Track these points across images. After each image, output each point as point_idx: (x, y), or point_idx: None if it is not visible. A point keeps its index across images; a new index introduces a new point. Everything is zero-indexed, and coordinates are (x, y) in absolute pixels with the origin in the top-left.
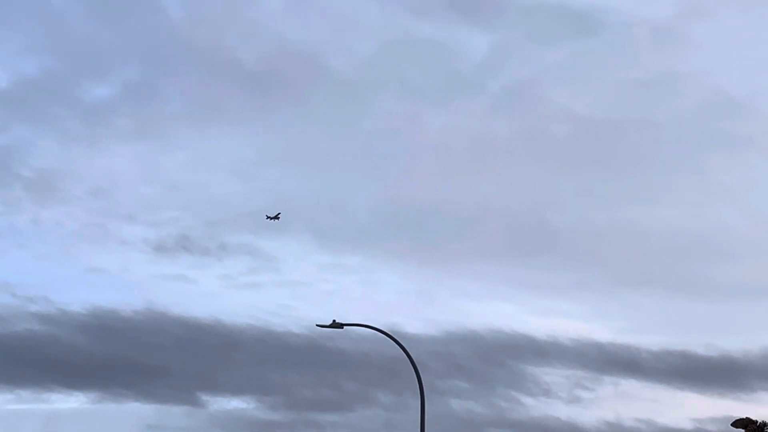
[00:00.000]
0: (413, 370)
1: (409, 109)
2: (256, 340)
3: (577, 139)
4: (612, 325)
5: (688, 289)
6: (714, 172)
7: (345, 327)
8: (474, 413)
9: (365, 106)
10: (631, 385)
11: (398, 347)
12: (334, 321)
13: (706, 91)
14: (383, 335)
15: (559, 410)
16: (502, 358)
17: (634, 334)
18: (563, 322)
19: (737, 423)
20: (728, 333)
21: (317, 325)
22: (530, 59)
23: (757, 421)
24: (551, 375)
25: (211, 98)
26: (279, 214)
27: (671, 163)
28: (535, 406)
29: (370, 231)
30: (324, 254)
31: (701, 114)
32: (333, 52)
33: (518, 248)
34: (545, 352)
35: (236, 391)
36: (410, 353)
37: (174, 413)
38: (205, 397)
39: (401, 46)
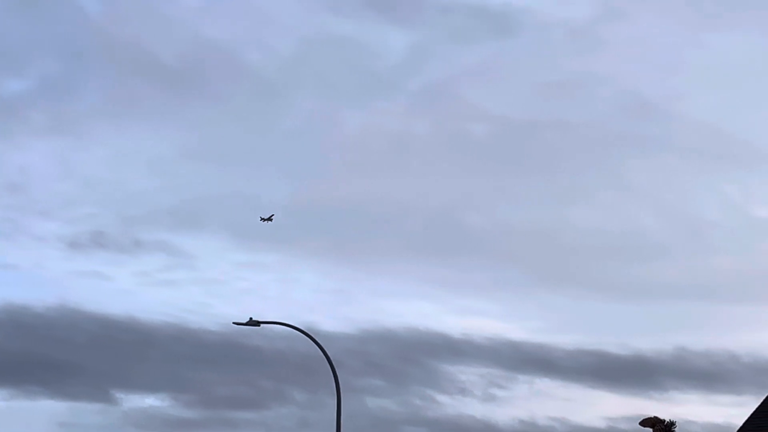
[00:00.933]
0: (329, 368)
1: (327, 108)
2: (172, 337)
3: (493, 139)
4: (527, 325)
5: (603, 289)
6: (628, 174)
7: (262, 325)
8: (389, 411)
9: (283, 104)
10: (545, 384)
11: (314, 345)
12: (251, 319)
13: (621, 92)
14: (300, 333)
15: (474, 408)
16: (418, 356)
17: (549, 334)
18: (479, 321)
19: (645, 422)
20: (641, 332)
21: (234, 323)
22: (448, 59)
23: (664, 420)
24: (466, 374)
25: (129, 94)
26: (272, 215)
27: (586, 164)
28: (451, 405)
29: (287, 229)
30: (241, 252)
31: (616, 115)
32: (251, 49)
33: (435, 247)
34: (461, 351)
35: (151, 388)
36: (327, 351)
37: (87, 411)
38: (119, 395)
39: (319, 44)
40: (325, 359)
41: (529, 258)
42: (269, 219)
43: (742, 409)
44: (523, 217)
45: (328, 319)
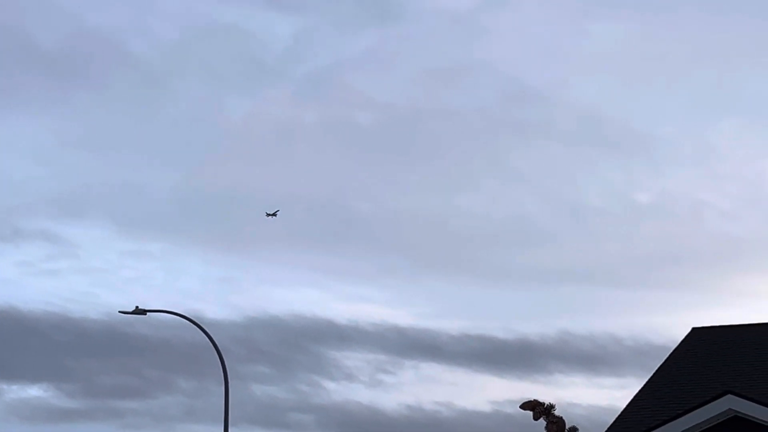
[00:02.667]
0: (216, 355)
1: (213, 96)
2: (54, 327)
3: (379, 127)
4: (413, 311)
5: (488, 274)
6: (512, 161)
7: (148, 313)
8: (276, 398)
9: (168, 92)
10: (431, 369)
11: (201, 333)
12: (137, 307)
13: (505, 80)
14: (186, 321)
15: (361, 394)
16: (305, 343)
17: (435, 319)
18: (366, 307)
19: (525, 405)
20: (526, 317)
21: (120, 312)
22: (333, 46)
23: (544, 403)
24: (353, 359)
25: (9, 82)
26: (278, 211)
27: (471, 151)
28: (337, 391)
29: (173, 217)
30: (126, 241)
31: (500, 103)
32: (135, 36)
33: (322, 235)
34: (347, 337)
35: (33, 378)
36: (214, 339)
37: None
38: (0, 386)
39: (204, 31)
40: (212, 347)
41: (416, 245)
42: (274, 214)
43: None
44: (410, 205)
45: (215, 307)
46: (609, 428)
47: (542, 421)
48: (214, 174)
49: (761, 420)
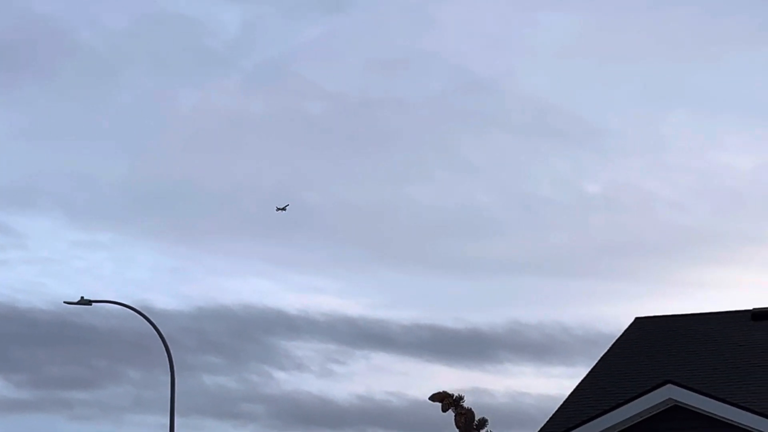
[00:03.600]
0: (164, 346)
1: (161, 85)
2: (1, 317)
3: (329, 117)
4: (364, 301)
5: (439, 264)
6: (463, 151)
7: (94, 303)
8: (226, 388)
9: (117, 81)
10: (382, 359)
11: (149, 324)
12: (82, 297)
13: (455, 70)
14: (134, 312)
15: (312, 384)
16: (255, 333)
17: (386, 309)
18: (317, 297)
19: (434, 397)
20: (476, 307)
21: (65, 302)
22: (282, 36)
23: (453, 395)
24: (303, 349)
25: None
26: (288, 205)
27: (421, 141)
28: (288, 381)
29: (122, 208)
30: (75, 231)
31: (450, 93)
32: (82, 25)
33: (271, 225)
34: (297, 327)
35: None
36: (161, 329)
37: None
38: None
39: (153, 20)
40: (159, 337)
41: (366, 235)
42: (284, 209)
43: (574, 380)
44: (360, 195)
45: (164, 297)
46: (551, 418)
47: (451, 413)
48: (163, 164)
49: (701, 409)
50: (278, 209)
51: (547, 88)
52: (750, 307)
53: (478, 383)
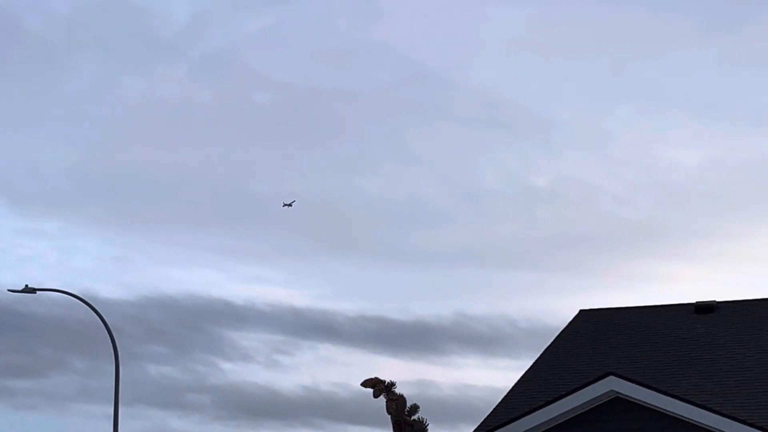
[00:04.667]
0: (109, 335)
1: (109, 74)
2: None
3: (277, 107)
4: (310, 292)
5: (385, 256)
6: (410, 142)
7: (38, 292)
8: (172, 378)
9: (64, 69)
10: (328, 350)
11: (94, 312)
12: (26, 286)
13: (403, 61)
14: (79, 300)
15: (258, 375)
16: (201, 323)
17: (332, 300)
18: (263, 288)
19: (366, 383)
20: (422, 298)
21: (9, 290)
22: (230, 26)
23: (385, 381)
24: (249, 340)
25: None
26: (294, 201)
27: (369, 132)
28: (234, 371)
29: (68, 196)
30: (20, 219)
31: (398, 84)
32: (29, 12)
33: (219, 216)
34: (244, 318)
35: None
36: (106, 319)
37: None
38: None
39: (100, 8)
40: (104, 326)
41: (313, 226)
42: (290, 204)
43: (519, 372)
44: (307, 185)
45: (110, 287)
46: (494, 409)
47: (383, 399)
48: (110, 152)
49: (643, 401)
50: (285, 205)
51: (495, 81)
52: (693, 301)
53: (424, 375)
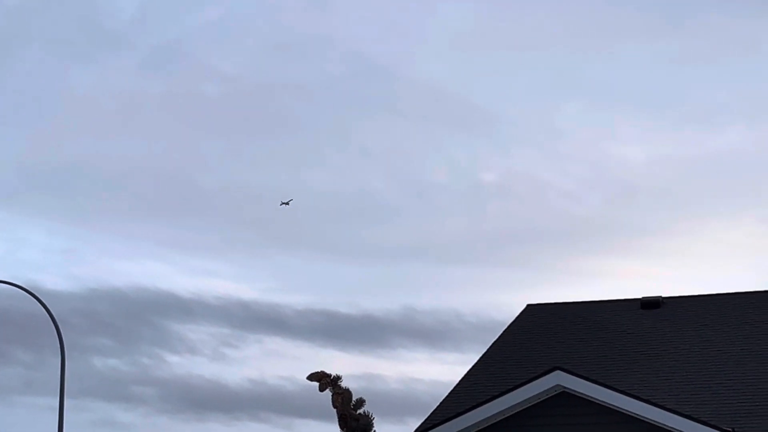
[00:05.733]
0: (54, 327)
1: (56, 64)
2: None
3: (226, 100)
4: (258, 285)
5: (333, 249)
6: (358, 136)
7: None
8: (118, 371)
9: (9, 60)
10: (275, 343)
11: (40, 304)
12: None
13: (352, 55)
14: (24, 292)
15: (204, 368)
16: (147, 315)
17: (280, 293)
18: (210, 281)
19: (312, 376)
20: (370, 292)
21: None
22: (180, 18)
23: (331, 375)
24: (196, 333)
25: None
26: (291, 200)
27: (318, 126)
28: (180, 364)
29: (14, 188)
30: None
31: (346, 78)
32: None
33: (167, 208)
34: (191, 311)
35: None
36: (52, 311)
37: None
38: None
39: None
40: (50, 318)
41: (262, 219)
42: (287, 203)
43: (467, 366)
44: (255, 179)
45: (56, 279)
46: (441, 403)
47: (329, 393)
48: (57, 144)
49: (588, 396)
50: (282, 203)
51: (444, 76)
52: (639, 296)
53: (371, 369)
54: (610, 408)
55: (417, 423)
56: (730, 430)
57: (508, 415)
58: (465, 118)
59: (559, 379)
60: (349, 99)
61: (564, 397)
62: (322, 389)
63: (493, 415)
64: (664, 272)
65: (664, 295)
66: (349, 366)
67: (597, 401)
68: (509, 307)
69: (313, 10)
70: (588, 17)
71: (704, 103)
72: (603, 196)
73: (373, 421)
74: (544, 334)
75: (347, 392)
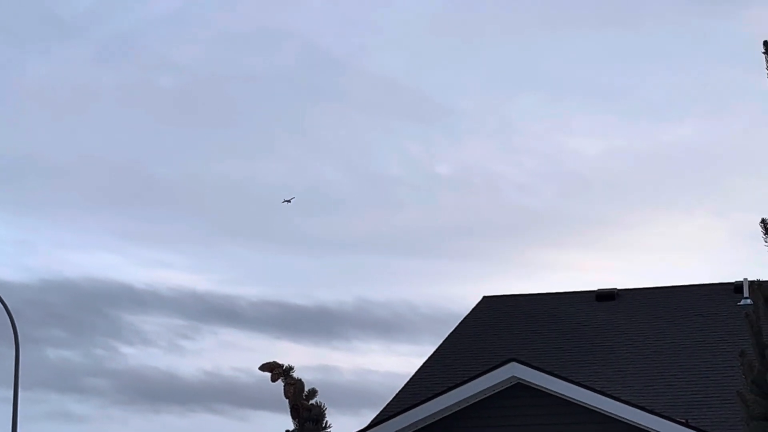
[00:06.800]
0: (8, 318)
1: (9, 55)
2: None
3: (180, 90)
4: (212, 276)
5: (287, 241)
6: (312, 128)
7: None
8: (71, 362)
9: None
10: (230, 335)
11: None
12: None
13: (305, 46)
14: None
15: (159, 359)
16: (101, 307)
17: (234, 285)
18: (164, 272)
19: (264, 367)
20: (324, 284)
21: None
22: (134, 8)
23: (283, 365)
24: (150, 324)
25: None
26: (293, 197)
27: (272, 117)
28: (134, 355)
29: None
30: None
31: (300, 69)
32: None
33: (120, 199)
34: (145, 302)
35: None
36: (6, 301)
37: None
38: None
39: None
40: (4, 309)
41: (216, 210)
42: (289, 201)
43: (422, 358)
44: (210, 170)
45: (9, 270)
46: (397, 395)
47: (281, 383)
48: (9, 135)
49: (544, 387)
50: (284, 201)
51: (399, 68)
52: (594, 288)
53: (326, 360)
54: (565, 399)
55: (372, 415)
56: (684, 420)
57: (464, 406)
58: (419, 110)
59: (514, 370)
60: (302, 90)
61: (519, 388)
62: (274, 380)
63: (449, 406)
64: (619, 265)
65: (619, 287)
66: (304, 357)
67: (552, 393)
68: (465, 299)
69: (267, 1)
70: (541, 9)
71: (658, 95)
72: (557, 189)
73: (325, 412)
74: (500, 326)
75: (299, 383)
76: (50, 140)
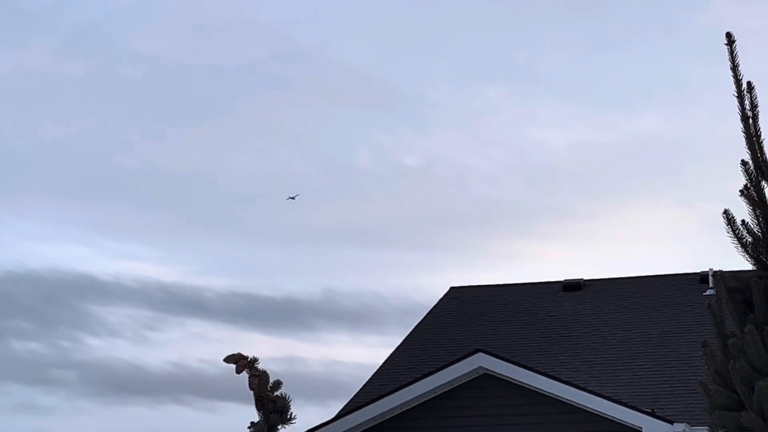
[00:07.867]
0: None
1: None
2: None
3: (148, 82)
4: (179, 268)
5: (254, 232)
6: (280, 120)
7: None
8: (37, 354)
9: None
10: (197, 326)
11: None
12: None
13: (274, 37)
14: None
15: (125, 351)
16: (66, 298)
17: (201, 276)
18: (131, 263)
19: (228, 359)
20: (291, 275)
21: None
22: None
23: (247, 357)
24: (117, 315)
25: None
26: (298, 195)
27: (239, 109)
28: (100, 347)
29: None
30: None
31: (268, 60)
32: None
33: (86, 191)
34: (110, 293)
35: None
36: None
37: None
38: None
39: None
40: None
41: (183, 202)
42: (293, 198)
43: (389, 349)
44: (176, 161)
45: None
46: (364, 386)
47: (246, 375)
48: None
49: (510, 378)
50: (289, 198)
51: (367, 59)
52: (561, 279)
53: (293, 351)
54: (532, 390)
55: (340, 405)
56: (650, 411)
57: (431, 397)
58: (386, 101)
59: (481, 361)
60: (270, 81)
61: (486, 378)
62: (239, 371)
63: (416, 397)
64: (585, 255)
65: (585, 277)
66: (271, 349)
67: (519, 383)
68: (432, 290)
69: None
70: (509, 1)
71: (621, 88)
72: (524, 180)
73: (290, 403)
74: (467, 317)
75: (264, 374)
76: (14, 130)
